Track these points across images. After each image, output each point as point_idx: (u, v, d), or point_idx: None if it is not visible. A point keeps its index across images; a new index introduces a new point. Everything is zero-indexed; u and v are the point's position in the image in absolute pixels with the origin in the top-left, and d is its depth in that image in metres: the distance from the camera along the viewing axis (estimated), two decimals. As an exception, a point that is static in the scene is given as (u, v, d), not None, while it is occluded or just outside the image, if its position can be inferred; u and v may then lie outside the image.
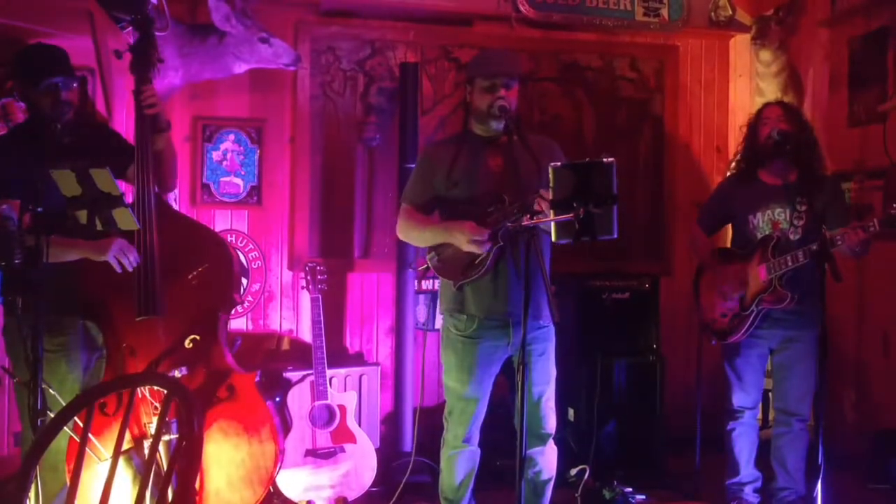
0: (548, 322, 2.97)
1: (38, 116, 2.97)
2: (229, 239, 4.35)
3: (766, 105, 3.69)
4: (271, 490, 3.44)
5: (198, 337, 3.04)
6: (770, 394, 4.43)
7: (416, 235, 3.11)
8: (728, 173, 3.86)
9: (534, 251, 2.52)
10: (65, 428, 2.00)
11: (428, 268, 3.07)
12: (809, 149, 3.55)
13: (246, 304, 4.48)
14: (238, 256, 3.38)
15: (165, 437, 2.73)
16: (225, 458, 3.01)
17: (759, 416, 3.86)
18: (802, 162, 3.53)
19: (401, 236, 3.18)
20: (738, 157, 3.75)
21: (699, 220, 3.91)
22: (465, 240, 2.86)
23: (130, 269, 2.90)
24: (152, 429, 2.42)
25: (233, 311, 3.39)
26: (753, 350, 3.64)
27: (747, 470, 3.74)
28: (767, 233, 3.53)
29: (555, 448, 3.10)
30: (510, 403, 3.01)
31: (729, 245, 3.94)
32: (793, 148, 3.49)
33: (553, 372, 3.06)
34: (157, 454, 2.20)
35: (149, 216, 2.96)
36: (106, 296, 2.98)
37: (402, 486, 3.79)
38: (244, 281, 4.37)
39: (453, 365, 3.06)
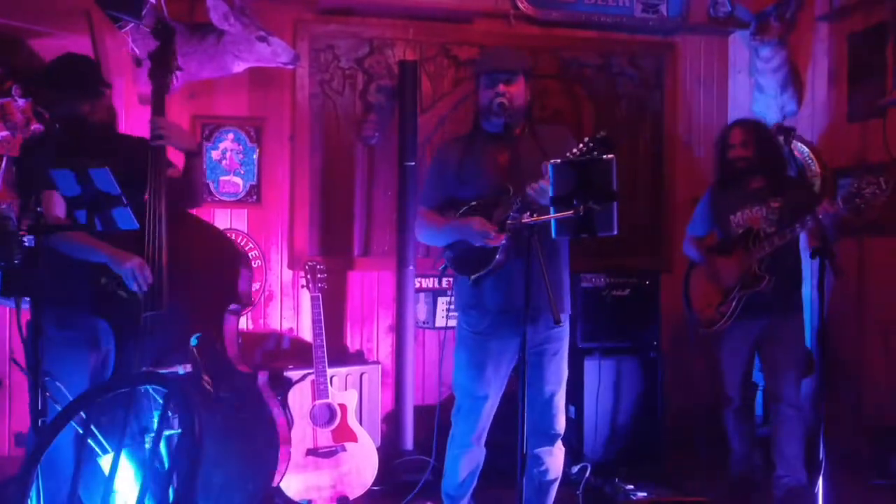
0: (563, 319, 2.95)
1: (70, 121, 3.08)
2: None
3: (730, 127, 3.97)
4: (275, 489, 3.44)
5: (202, 335, 3.04)
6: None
7: (432, 236, 3.14)
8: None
9: (542, 247, 2.52)
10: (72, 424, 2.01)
11: (447, 266, 3.09)
12: (774, 159, 3.90)
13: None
14: (247, 257, 3.44)
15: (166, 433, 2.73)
16: (225, 458, 3.00)
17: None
18: (769, 171, 3.84)
19: (420, 239, 3.28)
20: (715, 170, 4.04)
21: (693, 228, 4.12)
22: (474, 235, 2.89)
23: (139, 291, 2.94)
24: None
25: (243, 310, 3.40)
26: (737, 338, 3.85)
27: (743, 449, 3.95)
28: (747, 228, 3.77)
29: (562, 449, 3.09)
30: (519, 401, 2.98)
31: None
32: (757, 167, 3.82)
33: (565, 372, 3.06)
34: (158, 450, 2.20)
35: (158, 218, 3.02)
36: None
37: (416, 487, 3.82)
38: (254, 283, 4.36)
39: (464, 362, 3.05)
